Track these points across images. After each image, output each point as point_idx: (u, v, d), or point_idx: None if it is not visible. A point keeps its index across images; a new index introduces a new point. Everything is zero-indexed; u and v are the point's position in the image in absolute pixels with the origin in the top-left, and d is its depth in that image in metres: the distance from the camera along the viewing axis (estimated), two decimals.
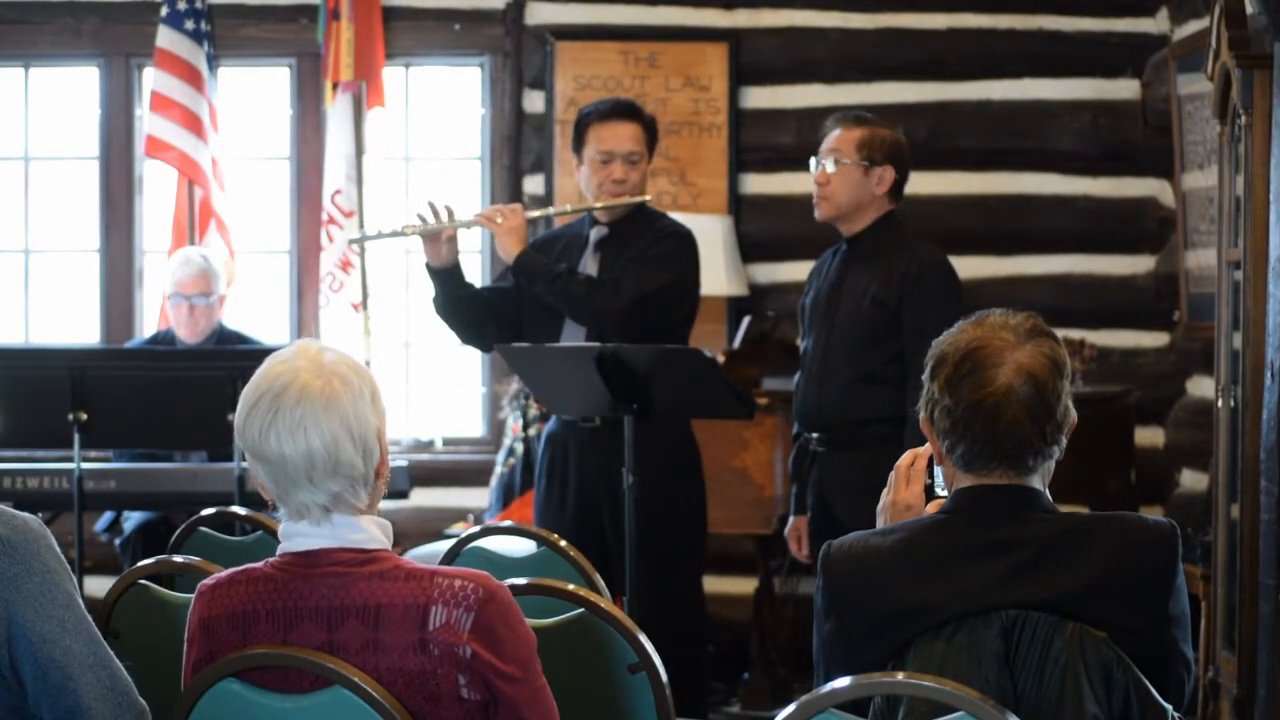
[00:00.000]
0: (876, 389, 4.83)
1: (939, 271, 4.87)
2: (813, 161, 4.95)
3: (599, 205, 5.05)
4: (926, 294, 4.80)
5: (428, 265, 5.07)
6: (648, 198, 5.10)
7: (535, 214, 5.14)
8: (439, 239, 4.99)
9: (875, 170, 4.88)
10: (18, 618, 2.52)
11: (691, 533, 5.13)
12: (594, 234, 5.12)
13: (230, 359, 5.53)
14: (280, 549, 2.55)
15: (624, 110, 5.08)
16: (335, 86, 6.92)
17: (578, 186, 5.28)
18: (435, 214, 5.02)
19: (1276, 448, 4.32)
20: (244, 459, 5.30)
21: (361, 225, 6.94)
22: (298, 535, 2.53)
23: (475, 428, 7.25)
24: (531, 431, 6.59)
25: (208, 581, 2.58)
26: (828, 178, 4.89)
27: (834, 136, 4.93)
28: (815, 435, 4.94)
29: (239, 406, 2.54)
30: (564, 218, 5.60)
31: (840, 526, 4.61)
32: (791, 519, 5.12)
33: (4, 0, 7.03)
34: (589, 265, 5.08)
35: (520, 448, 6.67)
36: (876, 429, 4.80)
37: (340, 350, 2.58)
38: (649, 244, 5.03)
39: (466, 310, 5.10)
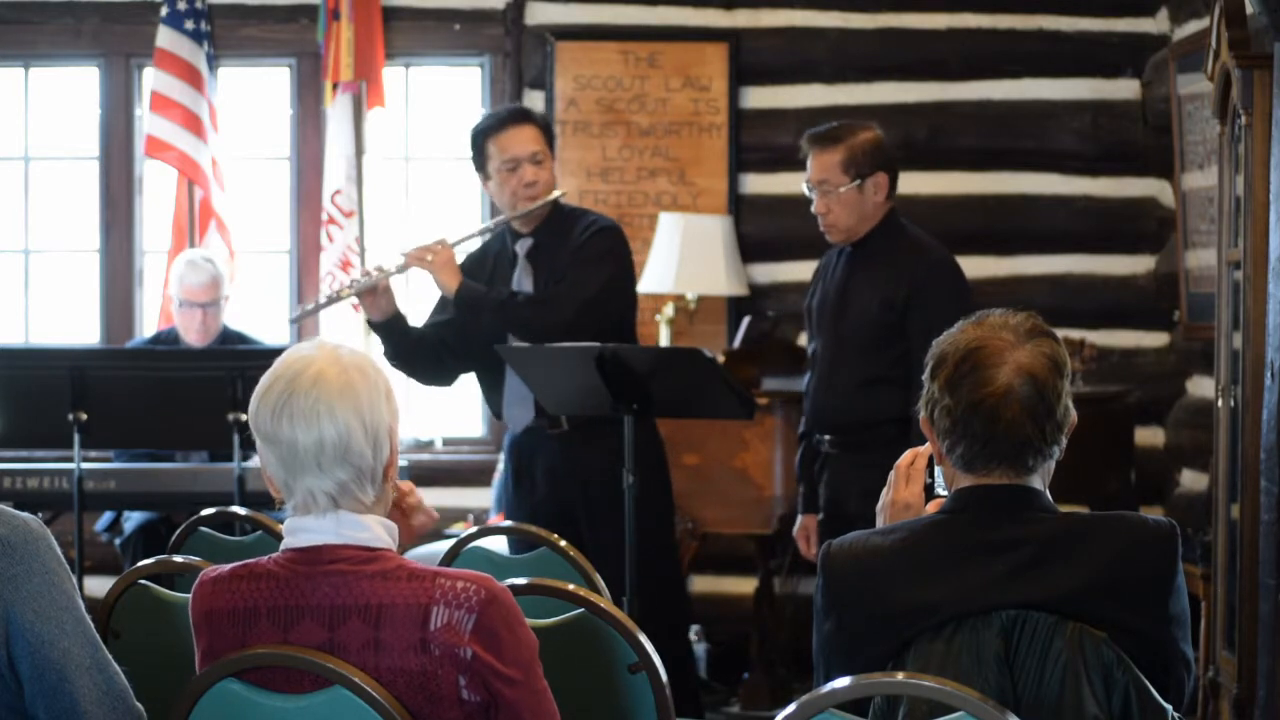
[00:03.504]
0: (884, 390, 4.83)
1: (946, 272, 4.88)
2: (804, 187, 4.95)
3: (517, 214, 5.02)
4: (933, 295, 4.80)
5: (369, 321, 5.10)
6: (562, 192, 5.09)
7: (459, 240, 5.12)
8: (375, 294, 5.01)
9: (868, 183, 4.87)
10: (16, 618, 2.51)
11: (664, 527, 5.16)
12: (520, 247, 5.10)
13: (230, 359, 5.53)
14: (284, 544, 2.55)
15: (518, 115, 5.08)
16: (335, 86, 6.92)
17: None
18: (367, 274, 5.04)
19: (1276, 448, 4.32)
20: (244, 459, 5.36)
21: (362, 223, 6.96)
22: (302, 530, 2.53)
23: (475, 428, 7.25)
24: None
25: (209, 573, 2.57)
26: (827, 206, 4.89)
27: (815, 163, 4.90)
28: (826, 437, 4.95)
29: (253, 395, 2.55)
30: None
31: (850, 527, 4.61)
32: (800, 518, 5.12)
33: (4, 0, 7.03)
34: (523, 278, 5.09)
35: None
36: (885, 430, 4.80)
37: (359, 351, 2.60)
38: (578, 246, 5.02)
39: (419, 353, 5.13)
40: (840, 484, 4.91)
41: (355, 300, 5.20)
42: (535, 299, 4.97)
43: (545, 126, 5.10)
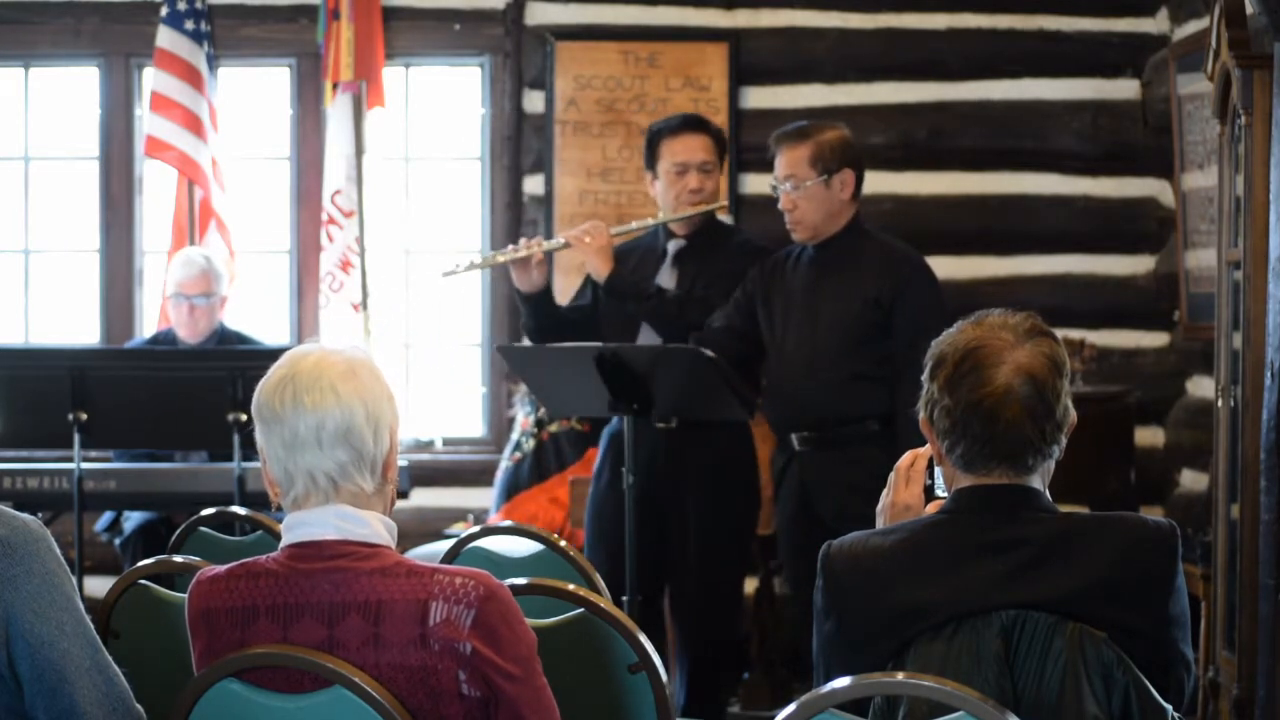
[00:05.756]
0: (867, 387, 4.86)
1: (925, 270, 4.99)
2: (771, 186, 4.99)
3: (675, 217, 5.15)
4: (919, 292, 4.87)
5: (519, 292, 5.16)
6: (723, 204, 5.24)
7: (616, 230, 5.22)
8: (529, 265, 5.09)
9: (835, 179, 4.92)
10: (16, 619, 2.51)
11: (744, 531, 5.21)
12: (671, 246, 5.20)
13: (230, 359, 5.53)
14: (283, 541, 2.55)
15: (694, 123, 5.23)
16: (335, 86, 6.92)
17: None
18: (528, 245, 5.13)
19: (1276, 448, 4.32)
20: (244, 459, 5.36)
21: (362, 223, 6.95)
22: (301, 525, 2.53)
23: (475, 428, 7.25)
24: (554, 428, 6.59)
25: (206, 573, 2.58)
26: (794, 202, 4.94)
27: (783, 160, 4.97)
28: (799, 435, 4.95)
29: (256, 391, 2.55)
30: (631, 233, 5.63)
31: (821, 525, 4.64)
32: None
33: (4, 0, 7.03)
34: (666, 277, 5.17)
35: (530, 443, 6.67)
36: (865, 426, 4.84)
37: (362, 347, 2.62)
38: (731, 259, 5.11)
39: (558, 332, 5.18)
40: (810, 481, 4.91)
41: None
42: (685, 298, 5.07)
43: (720, 139, 5.24)
